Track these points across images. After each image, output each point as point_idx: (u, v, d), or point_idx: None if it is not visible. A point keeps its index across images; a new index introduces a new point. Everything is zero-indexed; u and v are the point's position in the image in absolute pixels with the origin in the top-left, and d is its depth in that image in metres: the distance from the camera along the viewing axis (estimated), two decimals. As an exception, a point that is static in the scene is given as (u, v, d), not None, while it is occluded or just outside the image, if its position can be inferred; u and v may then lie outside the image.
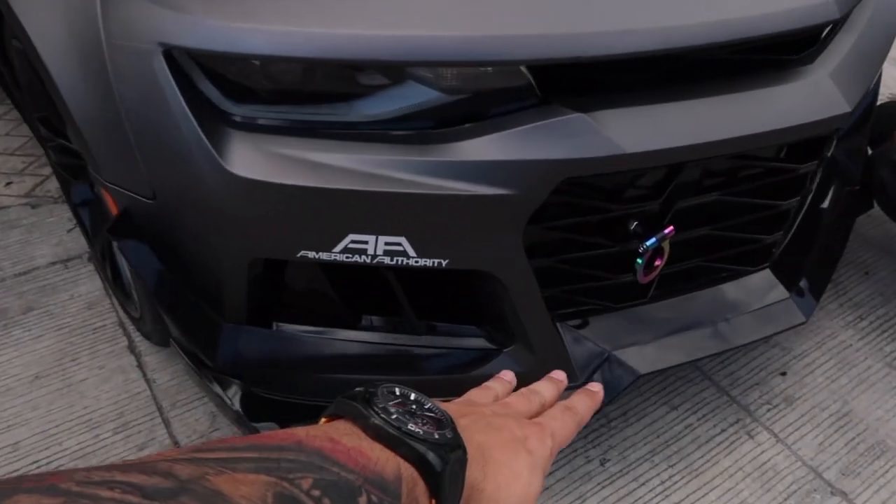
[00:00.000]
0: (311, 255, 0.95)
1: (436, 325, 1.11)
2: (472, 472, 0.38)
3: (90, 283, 1.65)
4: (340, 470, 0.32)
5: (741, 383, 1.48)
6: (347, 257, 0.96)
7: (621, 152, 0.93)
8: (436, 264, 0.97)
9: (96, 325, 1.55)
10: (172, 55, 0.89)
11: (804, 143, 1.18)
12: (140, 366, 1.46)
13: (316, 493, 0.29)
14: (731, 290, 1.28)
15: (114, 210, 1.04)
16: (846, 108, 1.09)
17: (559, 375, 0.53)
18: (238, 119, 0.92)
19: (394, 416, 0.36)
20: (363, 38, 0.88)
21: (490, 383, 0.52)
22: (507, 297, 1.04)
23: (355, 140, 0.92)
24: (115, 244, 1.07)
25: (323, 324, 1.09)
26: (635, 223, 1.06)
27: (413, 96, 0.94)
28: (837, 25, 1.19)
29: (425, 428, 0.36)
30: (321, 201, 0.90)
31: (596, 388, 0.53)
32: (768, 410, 1.43)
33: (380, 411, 0.36)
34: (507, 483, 0.40)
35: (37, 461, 1.28)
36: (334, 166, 0.90)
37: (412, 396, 0.40)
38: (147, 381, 1.43)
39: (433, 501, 0.35)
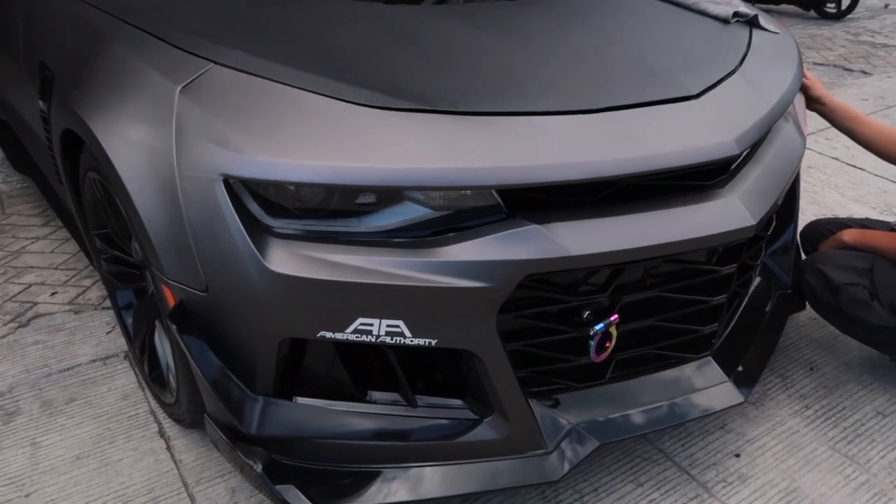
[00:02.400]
0: (329, 335, 1.20)
1: (427, 398, 1.34)
2: None
3: (125, 378, 1.88)
4: None
5: (699, 463, 1.67)
6: (357, 337, 1.21)
7: (568, 254, 1.21)
8: (427, 343, 1.22)
9: (130, 414, 1.76)
10: (229, 182, 1.19)
11: (725, 250, 1.47)
12: (169, 448, 1.66)
13: None
14: (678, 373, 1.51)
15: (171, 302, 1.30)
16: (751, 222, 1.38)
17: None
18: (276, 230, 1.21)
19: None
20: (371, 170, 1.18)
21: None
22: (485, 372, 1.27)
23: (365, 245, 1.20)
24: (171, 329, 1.32)
25: (334, 397, 1.32)
26: (587, 312, 1.32)
27: (409, 212, 1.23)
28: (744, 159, 1.52)
29: None
30: (338, 291, 1.17)
31: None
32: (724, 487, 1.61)
33: None
34: None
35: (77, 529, 1.45)
36: (349, 264, 1.17)
37: None
38: (175, 461, 1.63)
39: None
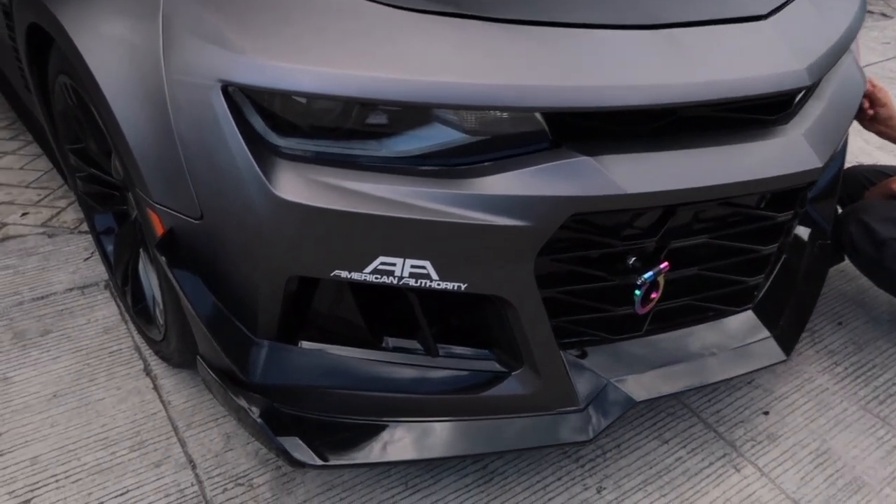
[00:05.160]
0: (344, 274, 1.04)
1: (450, 347, 1.20)
2: None
3: (106, 309, 1.71)
4: None
5: (727, 420, 1.56)
6: (376, 278, 1.05)
7: (622, 192, 1.05)
8: (456, 288, 1.07)
9: (113, 349, 1.61)
10: (229, 91, 1.00)
11: (781, 195, 1.31)
12: (156, 388, 1.52)
13: None
14: (718, 327, 1.38)
15: (160, 230, 1.13)
16: (818, 164, 1.22)
17: None
18: (284, 150, 1.03)
19: None
20: (397, 82, 0.99)
21: None
22: (518, 322, 1.13)
23: (388, 172, 1.03)
24: (160, 261, 1.15)
25: (345, 343, 1.18)
26: (633, 259, 1.17)
27: (438, 136, 1.05)
28: (809, 92, 1.35)
29: None
30: (356, 225, 1.00)
31: None
32: (753, 446, 1.51)
33: None
34: None
35: (55, 475, 1.32)
36: (369, 194, 1.00)
37: None
38: (163, 402, 1.49)
39: None
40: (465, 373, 1.19)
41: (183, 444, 1.41)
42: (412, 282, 1.06)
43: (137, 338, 1.63)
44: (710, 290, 1.36)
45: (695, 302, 1.36)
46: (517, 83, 1.01)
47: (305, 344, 1.17)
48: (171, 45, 1.03)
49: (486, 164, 1.06)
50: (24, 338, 1.61)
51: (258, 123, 1.03)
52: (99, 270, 1.82)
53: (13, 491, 1.29)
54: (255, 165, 0.99)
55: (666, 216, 1.19)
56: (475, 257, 1.06)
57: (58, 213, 2.07)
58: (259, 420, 1.15)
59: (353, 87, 0.98)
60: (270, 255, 1.04)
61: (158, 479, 1.34)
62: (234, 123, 0.99)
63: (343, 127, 1.04)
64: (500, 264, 1.07)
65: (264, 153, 1.01)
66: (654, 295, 1.20)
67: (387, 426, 1.18)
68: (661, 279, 1.19)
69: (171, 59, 1.03)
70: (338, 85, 0.98)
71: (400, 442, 1.17)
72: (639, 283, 1.16)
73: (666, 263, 1.18)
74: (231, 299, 1.12)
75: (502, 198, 1.03)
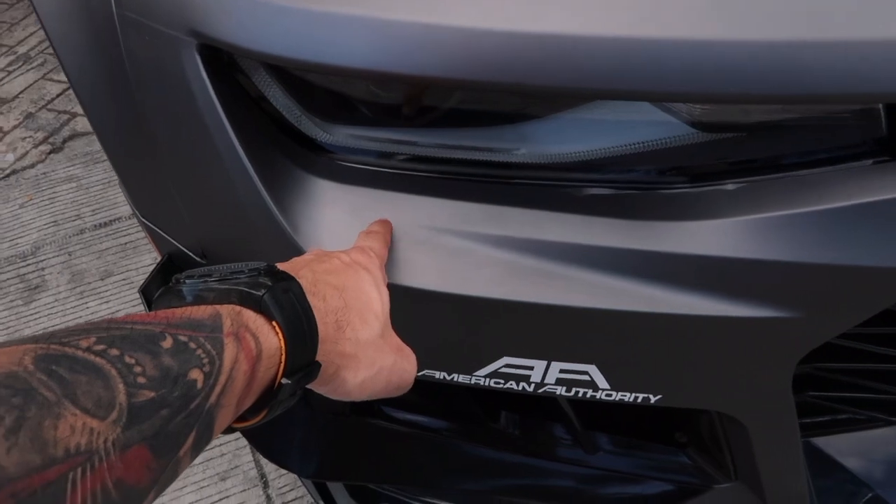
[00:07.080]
0: (439, 375, 0.60)
1: (610, 438, 0.75)
2: (331, 301, 0.39)
3: (175, 245, 1.40)
4: (136, 325, 0.29)
5: None
6: (497, 383, 0.59)
7: None
8: (639, 400, 0.59)
9: (179, 305, 1.31)
10: (211, 50, 0.51)
11: None
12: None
13: (99, 347, 0.26)
14: None
15: (158, 253, 0.73)
16: None
17: (378, 227, 0.50)
18: (325, 157, 0.54)
19: (202, 280, 0.36)
20: (563, 43, 0.45)
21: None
22: (742, 437, 0.65)
23: (519, 204, 0.53)
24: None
25: (444, 416, 0.76)
26: None
27: (635, 129, 0.52)
28: None
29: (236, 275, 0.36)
30: (459, 312, 0.53)
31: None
32: None
33: (191, 281, 0.36)
34: (365, 304, 0.41)
35: None
36: (479, 254, 0.52)
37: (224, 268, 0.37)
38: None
39: (274, 323, 0.34)
40: (633, 479, 0.75)
41: (254, 451, 1.12)
42: (561, 390, 0.59)
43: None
44: None
45: None
46: (838, 37, 0.43)
47: (386, 410, 0.77)
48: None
49: (726, 186, 0.52)
50: (83, 281, 1.35)
51: (278, 99, 0.54)
52: (168, 187, 1.49)
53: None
54: (263, 191, 0.52)
55: None
56: (680, 361, 0.56)
57: (129, 99, 1.73)
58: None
59: (466, 61, 0.45)
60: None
61: (223, 497, 1.07)
62: (221, 111, 0.51)
63: (441, 106, 0.53)
64: (729, 373, 0.57)
65: (284, 163, 0.53)
66: None
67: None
68: None
69: (118, -26, 0.54)
70: (435, 58, 0.46)
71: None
72: None
73: None
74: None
75: (754, 265, 0.50)
